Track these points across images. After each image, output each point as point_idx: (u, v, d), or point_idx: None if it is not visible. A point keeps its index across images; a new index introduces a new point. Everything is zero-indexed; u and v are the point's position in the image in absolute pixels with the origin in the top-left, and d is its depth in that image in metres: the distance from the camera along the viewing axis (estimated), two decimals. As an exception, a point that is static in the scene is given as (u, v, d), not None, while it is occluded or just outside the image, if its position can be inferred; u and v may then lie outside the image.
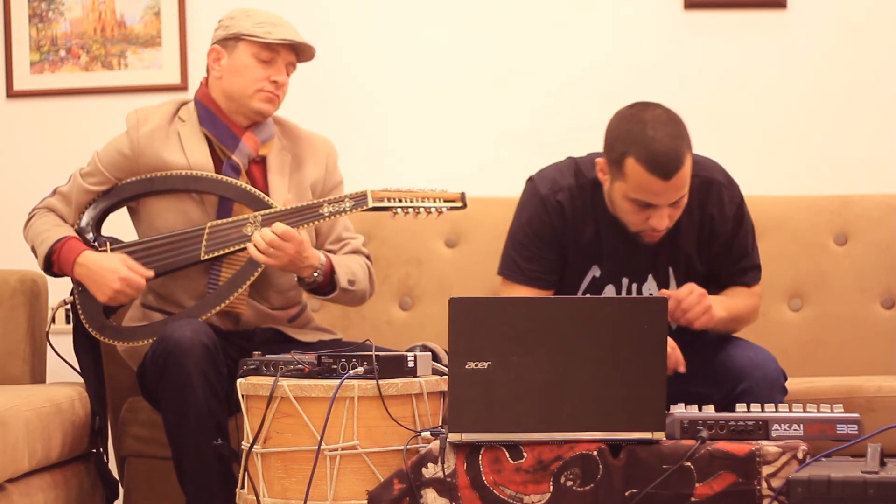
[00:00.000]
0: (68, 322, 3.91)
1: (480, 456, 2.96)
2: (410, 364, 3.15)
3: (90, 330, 3.65)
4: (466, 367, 2.92)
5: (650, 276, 3.50)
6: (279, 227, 3.48)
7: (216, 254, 3.59)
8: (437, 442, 2.98)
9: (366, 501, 3.00)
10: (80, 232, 3.67)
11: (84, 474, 3.75)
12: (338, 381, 3.07)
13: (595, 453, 2.94)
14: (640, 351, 2.94)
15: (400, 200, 3.55)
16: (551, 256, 3.49)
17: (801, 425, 3.02)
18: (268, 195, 3.64)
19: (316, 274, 3.57)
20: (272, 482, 3.14)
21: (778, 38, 4.44)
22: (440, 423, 3.17)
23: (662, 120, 3.30)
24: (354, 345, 3.58)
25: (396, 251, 4.16)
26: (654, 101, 3.39)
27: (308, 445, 3.08)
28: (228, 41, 3.63)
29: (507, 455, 2.96)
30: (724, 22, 4.44)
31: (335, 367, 3.16)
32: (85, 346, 3.71)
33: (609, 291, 3.50)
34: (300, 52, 3.67)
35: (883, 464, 2.85)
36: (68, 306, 3.72)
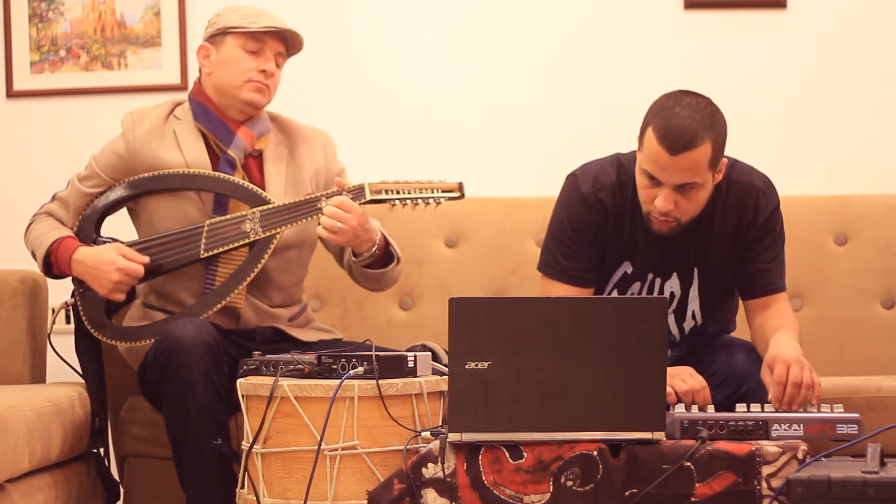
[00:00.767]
0: (69, 322, 3.91)
1: (480, 456, 2.96)
2: (410, 364, 3.15)
3: (91, 330, 3.66)
4: (466, 367, 2.92)
5: (675, 274, 3.48)
6: (337, 199, 3.49)
7: (216, 251, 3.59)
8: (437, 442, 2.98)
9: (366, 501, 3.00)
10: (79, 234, 3.67)
11: (84, 474, 3.75)
12: (338, 381, 3.07)
13: (595, 453, 2.94)
14: (640, 351, 2.94)
15: (398, 192, 3.55)
16: (590, 254, 3.46)
17: (801, 425, 3.02)
18: (265, 189, 3.64)
19: (374, 248, 3.58)
20: (272, 482, 3.14)
21: (778, 38, 4.44)
22: (440, 423, 3.17)
23: (697, 106, 3.27)
24: (354, 345, 3.58)
25: (396, 251, 4.16)
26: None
27: (308, 445, 3.08)
28: (216, 37, 3.66)
29: (507, 455, 2.96)
30: (724, 22, 4.44)
31: (335, 367, 3.16)
32: (86, 346, 3.72)
33: (635, 288, 3.49)
34: (289, 42, 3.68)
35: (883, 464, 2.85)
36: (69, 307, 3.73)
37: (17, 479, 3.35)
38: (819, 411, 3.07)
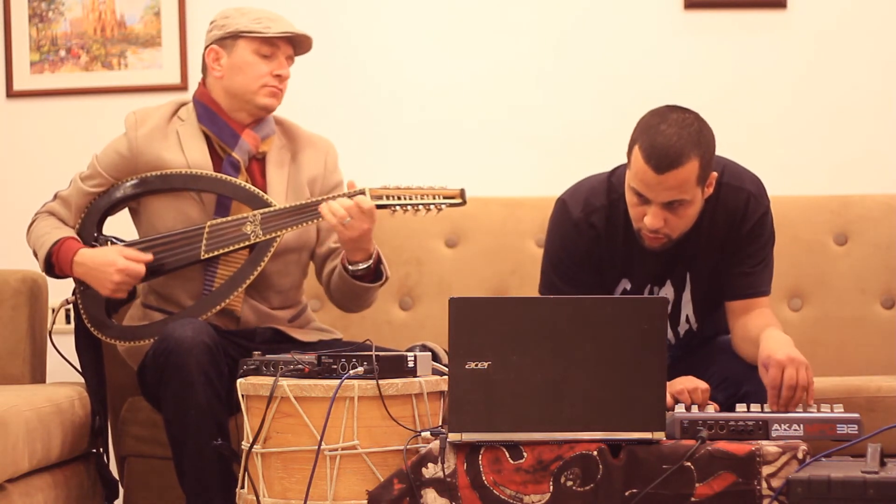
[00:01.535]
0: (69, 322, 3.91)
1: (480, 456, 2.96)
2: (410, 364, 3.15)
3: (92, 329, 3.66)
4: (466, 367, 2.92)
5: (668, 281, 3.47)
6: (367, 204, 3.48)
7: (216, 253, 3.59)
8: (437, 442, 2.98)
9: (366, 501, 3.00)
10: (81, 233, 3.67)
11: (84, 474, 3.75)
12: (338, 381, 3.07)
13: (595, 453, 2.94)
14: (640, 351, 2.94)
15: (399, 198, 3.55)
16: (588, 279, 3.44)
17: (801, 425, 3.01)
18: (266, 191, 3.64)
19: (370, 261, 3.58)
20: (272, 482, 3.14)
21: (778, 38, 4.44)
22: (440, 423, 3.17)
23: (683, 123, 3.25)
24: (354, 345, 3.58)
25: (396, 251, 4.16)
26: (667, 103, 3.35)
27: (308, 445, 3.08)
28: (226, 40, 3.64)
29: (507, 455, 2.96)
30: (724, 22, 4.44)
31: (335, 367, 3.16)
32: (86, 345, 3.72)
33: None
34: (298, 44, 3.69)
35: (883, 464, 2.85)
36: (69, 306, 3.73)
37: (17, 479, 3.35)
38: (819, 411, 3.07)
